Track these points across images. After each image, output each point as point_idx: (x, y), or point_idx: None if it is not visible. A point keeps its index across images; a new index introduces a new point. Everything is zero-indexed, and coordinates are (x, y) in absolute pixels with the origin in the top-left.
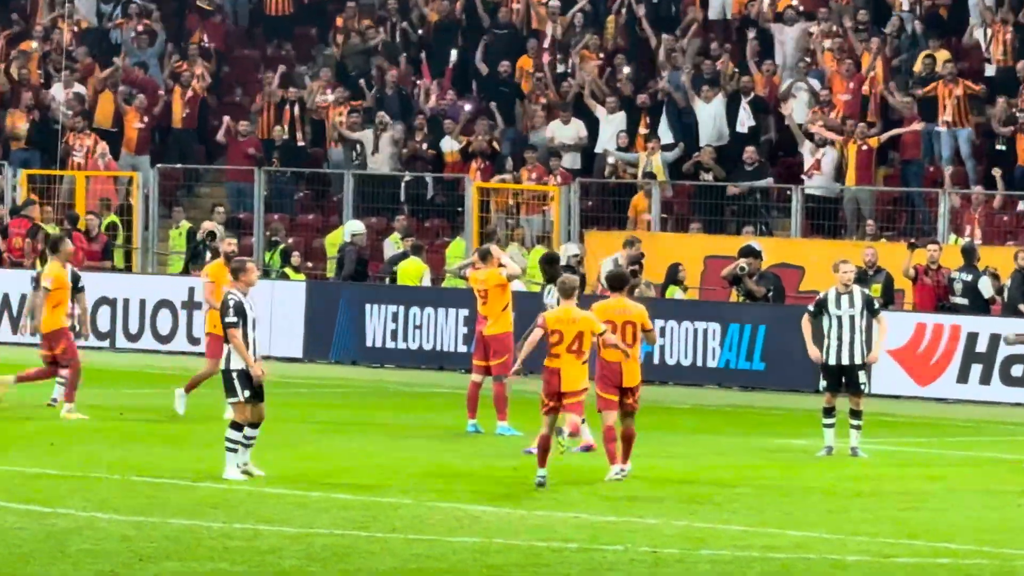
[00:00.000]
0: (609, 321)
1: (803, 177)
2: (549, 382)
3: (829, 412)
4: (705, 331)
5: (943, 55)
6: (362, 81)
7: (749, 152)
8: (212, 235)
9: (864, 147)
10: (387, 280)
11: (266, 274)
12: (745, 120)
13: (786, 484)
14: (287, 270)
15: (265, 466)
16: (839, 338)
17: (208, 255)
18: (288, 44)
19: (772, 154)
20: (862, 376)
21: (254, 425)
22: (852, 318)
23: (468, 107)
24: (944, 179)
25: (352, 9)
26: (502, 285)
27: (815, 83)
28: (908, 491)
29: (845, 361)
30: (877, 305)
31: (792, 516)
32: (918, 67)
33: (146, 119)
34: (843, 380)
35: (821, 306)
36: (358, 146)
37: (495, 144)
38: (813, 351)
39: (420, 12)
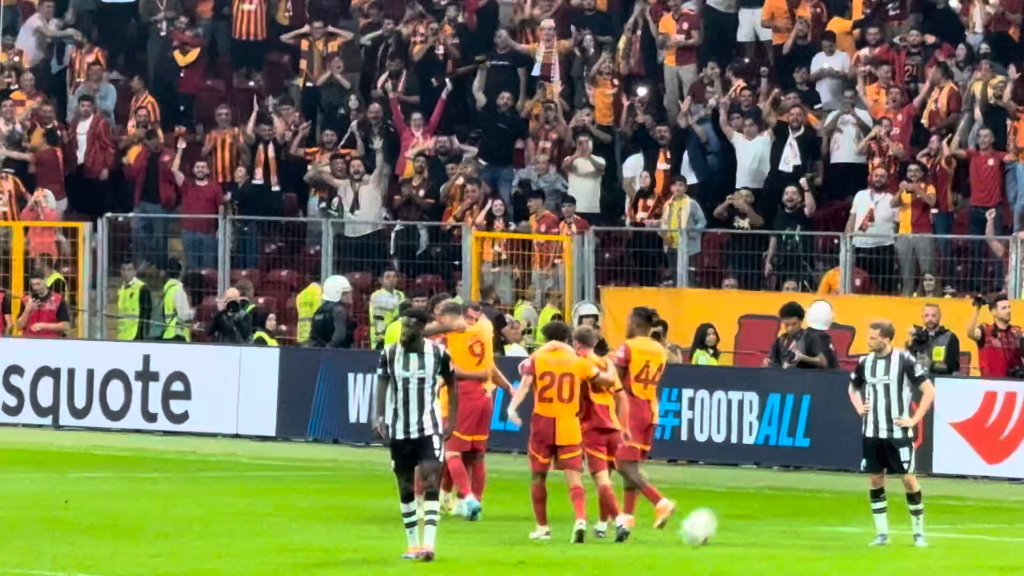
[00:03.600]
0: (547, 373)
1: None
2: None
3: (877, 495)
4: (740, 402)
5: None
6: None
7: (790, 192)
8: (234, 306)
9: (917, 195)
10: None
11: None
12: (791, 158)
13: None
14: (262, 334)
15: (235, 560)
16: (875, 409)
17: (236, 330)
18: (258, 74)
19: (818, 198)
20: (904, 453)
21: None
22: (887, 387)
23: (470, 150)
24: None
25: (320, 31)
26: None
27: (864, 116)
28: None
29: (883, 435)
30: (920, 371)
31: None
32: (991, 95)
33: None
34: (885, 458)
35: (860, 373)
36: (334, 198)
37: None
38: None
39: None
